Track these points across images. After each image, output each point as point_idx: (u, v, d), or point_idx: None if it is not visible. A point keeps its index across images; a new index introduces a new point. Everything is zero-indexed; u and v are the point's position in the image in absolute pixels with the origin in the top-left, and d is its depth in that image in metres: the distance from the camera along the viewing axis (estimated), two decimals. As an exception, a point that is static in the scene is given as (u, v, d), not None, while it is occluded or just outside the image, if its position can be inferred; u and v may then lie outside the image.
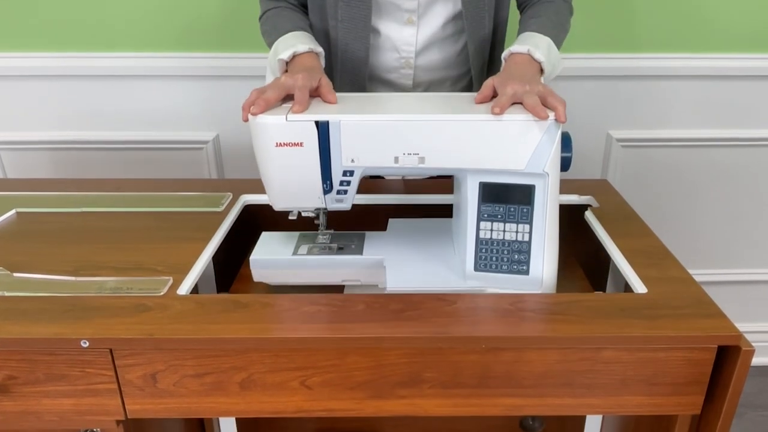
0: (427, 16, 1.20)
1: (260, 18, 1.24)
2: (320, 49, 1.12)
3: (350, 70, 1.23)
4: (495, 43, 1.28)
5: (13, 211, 1.17)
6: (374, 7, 1.18)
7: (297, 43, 1.10)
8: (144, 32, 1.64)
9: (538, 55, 1.05)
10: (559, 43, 1.15)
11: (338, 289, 1.04)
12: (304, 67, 1.04)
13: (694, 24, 1.67)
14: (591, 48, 1.69)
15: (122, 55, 1.66)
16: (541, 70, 1.06)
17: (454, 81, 1.30)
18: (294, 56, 1.09)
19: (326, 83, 0.98)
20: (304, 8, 1.25)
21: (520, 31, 1.18)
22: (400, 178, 1.36)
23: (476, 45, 1.23)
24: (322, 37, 1.22)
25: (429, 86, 1.29)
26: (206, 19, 1.64)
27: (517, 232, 0.92)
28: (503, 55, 1.10)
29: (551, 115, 0.87)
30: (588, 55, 1.69)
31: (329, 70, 1.24)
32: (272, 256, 1.02)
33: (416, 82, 1.27)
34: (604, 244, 1.06)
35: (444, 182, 1.28)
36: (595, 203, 1.21)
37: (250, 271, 1.02)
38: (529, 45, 1.07)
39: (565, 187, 1.19)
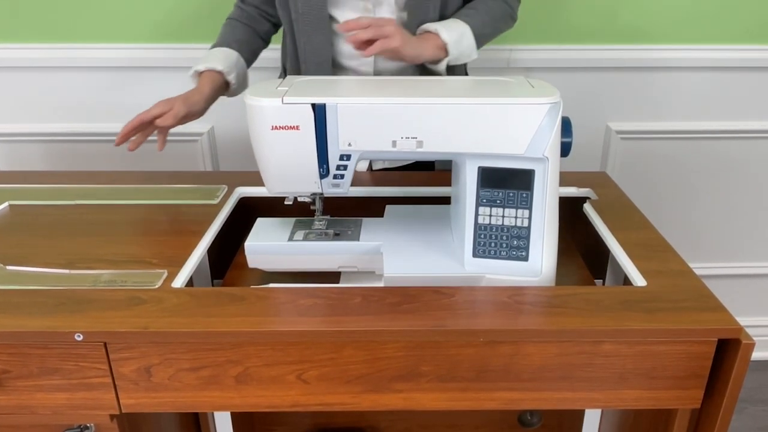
0: (383, 5, 1.22)
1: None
2: (221, 67, 1.23)
3: (314, 60, 1.26)
4: None
5: (6, 204, 1.16)
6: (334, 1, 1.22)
7: (205, 61, 1.25)
8: (138, 24, 1.63)
9: (445, 35, 1.14)
10: (480, 36, 1.24)
11: (335, 275, 1.03)
12: (187, 94, 1.20)
13: (694, 15, 1.66)
14: (590, 39, 1.68)
15: (116, 47, 1.65)
16: (446, 52, 1.17)
17: (416, 70, 1.29)
18: (197, 73, 1.24)
19: (175, 111, 1.15)
20: (264, 15, 1.34)
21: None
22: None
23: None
24: (288, 29, 1.29)
25: (392, 74, 1.30)
26: (201, 10, 1.63)
27: (516, 217, 0.91)
28: (417, 30, 1.20)
29: (548, 99, 0.87)
30: (587, 47, 1.68)
31: (295, 62, 1.31)
32: (268, 242, 1.01)
33: (377, 69, 1.29)
34: (603, 237, 1.05)
35: (443, 175, 1.27)
36: (594, 196, 1.20)
37: (245, 259, 1.01)
38: (441, 26, 1.16)
39: (564, 179, 1.18)
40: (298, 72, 1.31)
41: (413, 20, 1.22)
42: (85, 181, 1.27)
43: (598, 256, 1.13)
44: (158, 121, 1.15)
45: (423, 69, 1.26)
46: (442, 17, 1.25)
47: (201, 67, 1.24)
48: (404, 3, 1.22)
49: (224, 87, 1.27)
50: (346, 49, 1.26)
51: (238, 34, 1.31)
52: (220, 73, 1.24)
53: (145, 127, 1.18)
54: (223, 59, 1.25)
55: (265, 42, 1.37)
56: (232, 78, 1.25)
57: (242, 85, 1.31)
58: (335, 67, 1.29)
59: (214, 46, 1.30)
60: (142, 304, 0.85)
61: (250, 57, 1.33)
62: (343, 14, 1.23)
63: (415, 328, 0.80)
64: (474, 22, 1.22)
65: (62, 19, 1.62)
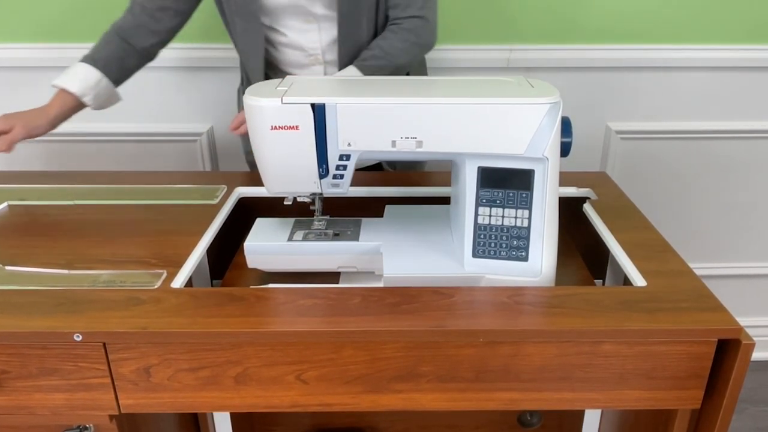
0: (327, 19, 1.24)
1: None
2: (75, 89, 1.21)
3: (256, 77, 1.30)
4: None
5: (5, 204, 1.16)
6: (274, 13, 1.23)
7: (65, 75, 1.23)
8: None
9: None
10: (376, 71, 1.22)
11: (334, 276, 1.03)
12: (35, 108, 1.21)
13: (694, 15, 1.66)
14: (590, 39, 1.68)
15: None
16: None
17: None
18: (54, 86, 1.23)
19: (14, 135, 1.15)
20: (154, 29, 1.28)
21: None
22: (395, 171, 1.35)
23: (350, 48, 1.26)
24: (235, 45, 1.32)
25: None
26: (200, 10, 1.62)
27: (516, 217, 0.91)
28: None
29: (548, 99, 0.87)
30: (587, 47, 1.68)
31: (243, 74, 1.36)
32: (267, 242, 1.01)
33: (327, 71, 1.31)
34: (602, 237, 1.05)
35: (442, 175, 1.27)
36: (593, 196, 1.20)
37: (244, 259, 1.01)
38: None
39: (564, 179, 1.18)
40: (248, 77, 1.34)
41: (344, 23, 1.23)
42: (83, 181, 1.27)
43: (598, 256, 1.13)
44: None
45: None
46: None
47: (56, 83, 1.22)
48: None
49: (79, 106, 1.24)
50: (293, 59, 1.29)
51: (111, 50, 1.26)
52: (72, 94, 1.21)
53: None
54: (82, 79, 1.22)
55: (147, 58, 1.32)
56: (88, 100, 1.23)
57: (108, 101, 1.28)
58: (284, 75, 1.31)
59: (83, 58, 1.25)
60: (141, 304, 0.85)
61: (119, 76, 1.29)
62: (290, 27, 1.24)
63: (415, 329, 0.80)
64: (366, 65, 1.21)
65: (60, 19, 1.62)
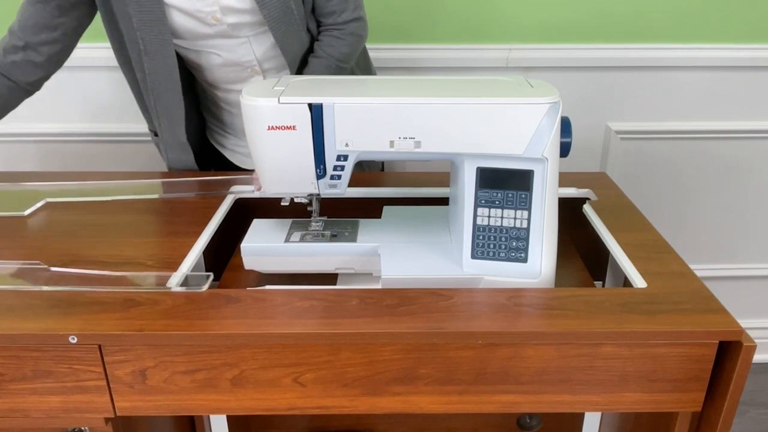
0: (250, 33, 1.21)
1: None
2: None
3: (167, 114, 1.26)
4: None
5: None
6: (197, 37, 1.19)
7: None
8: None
9: None
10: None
11: (332, 277, 1.03)
12: None
13: (695, 14, 1.65)
14: (590, 39, 1.67)
15: (109, 46, 1.63)
16: None
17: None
18: None
19: None
20: (36, 63, 1.20)
21: (305, 72, 1.25)
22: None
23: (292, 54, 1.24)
24: (133, 86, 1.28)
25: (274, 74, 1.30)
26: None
27: (515, 218, 0.90)
28: None
29: (547, 99, 0.86)
30: (587, 46, 1.67)
31: (146, 110, 1.32)
32: (264, 243, 1.00)
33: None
34: (602, 238, 1.04)
35: (441, 175, 1.27)
36: (593, 196, 1.19)
37: (241, 260, 1.00)
38: None
39: (563, 180, 1.17)
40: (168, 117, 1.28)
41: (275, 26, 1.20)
42: (79, 181, 1.26)
43: (598, 257, 1.12)
44: None
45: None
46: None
47: None
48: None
49: None
50: (230, 76, 1.26)
51: None
52: None
53: None
54: None
55: (29, 93, 1.24)
56: None
57: None
58: (225, 91, 1.30)
59: None
60: (137, 306, 0.84)
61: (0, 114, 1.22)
62: (220, 46, 1.21)
63: (413, 331, 0.80)
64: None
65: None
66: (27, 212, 1.12)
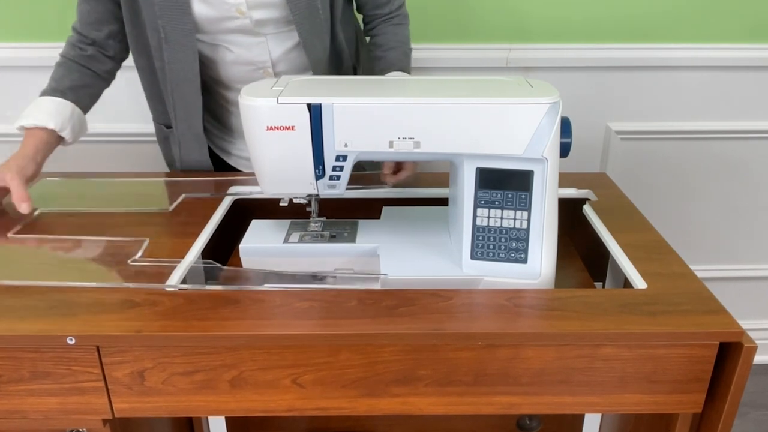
0: (270, 32, 1.20)
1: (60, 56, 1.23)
2: (53, 125, 1.13)
3: (184, 106, 1.24)
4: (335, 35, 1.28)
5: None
6: (214, 34, 1.18)
7: (34, 113, 1.13)
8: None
9: None
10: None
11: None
12: (14, 155, 1.11)
13: (695, 14, 1.65)
14: (590, 38, 1.67)
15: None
16: None
17: (329, 69, 1.29)
18: (24, 128, 1.14)
19: (15, 188, 1.06)
20: (106, 54, 1.23)
21: (382, 66, 1.26)
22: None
23: (316, 58, 1.23)
24: (148, 75, 1.25)
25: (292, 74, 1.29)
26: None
27: (515, 219, 0.90)
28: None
29: (547, 99, 0.86)
30: (587, 46, 1.67)
31: (159, 101, 1.29)
32: (263, 244, 1.00)
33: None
34: (602, 239, 1.04)
35: (440, 176, 1.26)
36: (593, 197, 1.19)
37: (239, 261, 1.00)
38: None
39: (563, 180, 1.17)
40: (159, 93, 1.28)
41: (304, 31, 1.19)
42: (79, 181, 1.26)
43: (598, 258, 1.12)
44: (23, 210, 1.06)
45: (336, 68, 1.27)
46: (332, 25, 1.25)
47: (27, 123, 1.13)
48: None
49: (56, 142, 1.17)
50: (240, 75, 1.24)
51: (74, 79, 1.19)
52: (50, 130, 1.13)
53: None
54: (55, 113, 1.14)
55: (108, 81, 1.27)
56: (66, 134, 1.15)
57: (80, 132, 1.21)
58: (230, 90, 1.29)
59: (45, 92, 1.17)
60: (136, 307, 0.84)
61: (88, 103, 1.23)
62: (235, 42, 1.20)
63: (413, 332, 0.79)
64: (407, 67, 1.27)
65: (51, 18, 1.61)
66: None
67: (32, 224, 1.08)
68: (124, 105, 1.69)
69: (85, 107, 1.22)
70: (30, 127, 1.13)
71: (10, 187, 1.07)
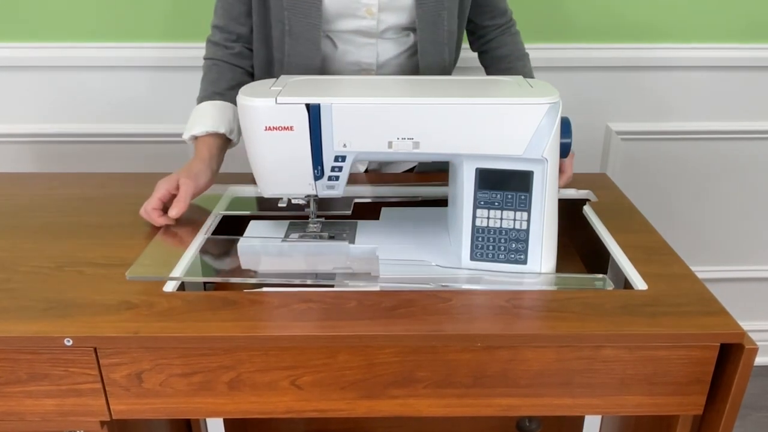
0: (386, 36, 1.18)
1: (204, 59, 1.22)
2: (223, 129, 1.12)
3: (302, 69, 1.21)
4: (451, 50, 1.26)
5: None
6: (330, 31, 1.16)
7: (201, 120, 1.12)
8: (129, 22, 1.61)
9: None
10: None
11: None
12: (188, 165, 1.09)
13: (695, 14, 1.65)
14: (590, 38, 1.66)
15: (106, 46, 1.63)
16: None
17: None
18: (194, 137, 1.13)
19: (183, 191, 1.03)
20: (250, 51, 1.22)
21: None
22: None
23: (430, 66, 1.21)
24: (265, 66, 1.22)
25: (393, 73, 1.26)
26: (191, 9, 1.61)
27: (514, 219, 0.90)
28: None
29: (547, 99, 0.86)
30: (587, 46, 1.67)
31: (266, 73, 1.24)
32: (261, 244, 1.00)
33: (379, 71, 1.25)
34: (602, 240, 1.04)
35: (439, 176, 1.26)
36: (593, 197, 1.19)
37: (238, 261, 0.99)
38: None
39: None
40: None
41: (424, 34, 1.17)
42: (74, 182, 1.25)
43: (598, 259, 1.11)
44: (172, 213, 1.03)
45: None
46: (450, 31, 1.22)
47: (198, 131, 1.12)
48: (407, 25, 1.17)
49: (226, 146, 1.16)
50: (342, 70, 1.21)
51: (229, 79, 1.19)
52: (220, 135, 1.13)
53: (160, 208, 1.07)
54: (220, 117, 1.13)
55: (253, 77, 1.25)
56: (234, 136, 1.15)
57: (239, 134, 1.18)
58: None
59: (205, 97, 1.17)
60: (133, 308, 0.83)
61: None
62: (344, 41, 1.17)
63: (412, 333, 0.79)
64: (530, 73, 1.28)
65: (50, 18, 1.60)
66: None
67: (26, 220, 1.08)
68: (127, 106, 1.69)
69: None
70: (201, 135, 1.12)
71: (180, 189, 1.05)
